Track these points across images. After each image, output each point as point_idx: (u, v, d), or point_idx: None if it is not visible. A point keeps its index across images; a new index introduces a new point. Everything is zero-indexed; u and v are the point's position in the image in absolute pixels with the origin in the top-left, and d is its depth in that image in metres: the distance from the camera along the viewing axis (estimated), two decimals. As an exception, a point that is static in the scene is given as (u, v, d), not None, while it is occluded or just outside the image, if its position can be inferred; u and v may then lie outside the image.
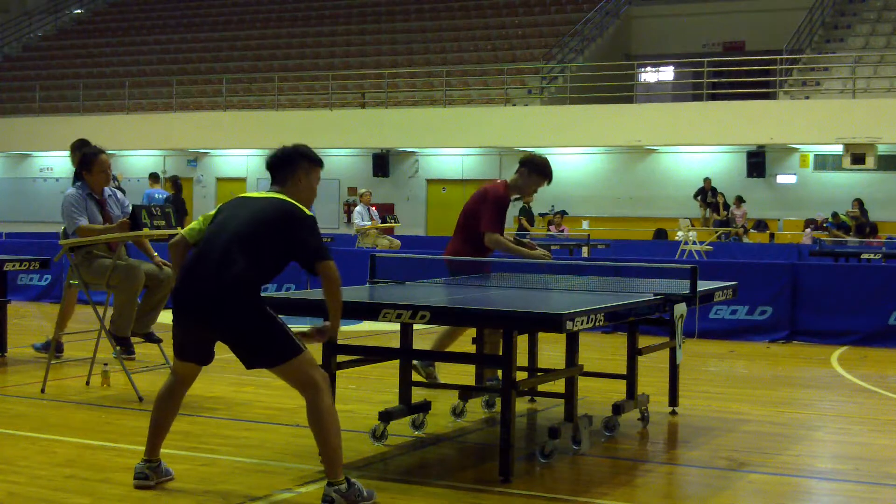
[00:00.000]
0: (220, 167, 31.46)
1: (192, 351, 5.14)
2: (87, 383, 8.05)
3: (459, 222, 7.77)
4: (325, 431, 4.86)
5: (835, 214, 23.68)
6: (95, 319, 7.85)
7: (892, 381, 9.30)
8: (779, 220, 26.09)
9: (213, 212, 5.25)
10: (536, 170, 7.70)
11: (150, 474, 5.20)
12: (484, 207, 7.59)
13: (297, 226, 4.97)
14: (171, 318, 5.11)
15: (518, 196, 7.84)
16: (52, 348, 8.39)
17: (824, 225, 23.96)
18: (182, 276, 5.08)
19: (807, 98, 25.66)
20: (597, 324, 5.46)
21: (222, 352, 5.15)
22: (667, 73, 32.43)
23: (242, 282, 4.88)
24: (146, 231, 7.63)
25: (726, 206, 24.95)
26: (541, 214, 26.85)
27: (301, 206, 5.04)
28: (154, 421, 5.25)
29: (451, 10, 32.58)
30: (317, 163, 5.25)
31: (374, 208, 18.68)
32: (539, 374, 7.01)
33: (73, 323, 9.17)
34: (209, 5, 36.52)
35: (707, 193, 25.38)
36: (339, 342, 5.85)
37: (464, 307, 5.72)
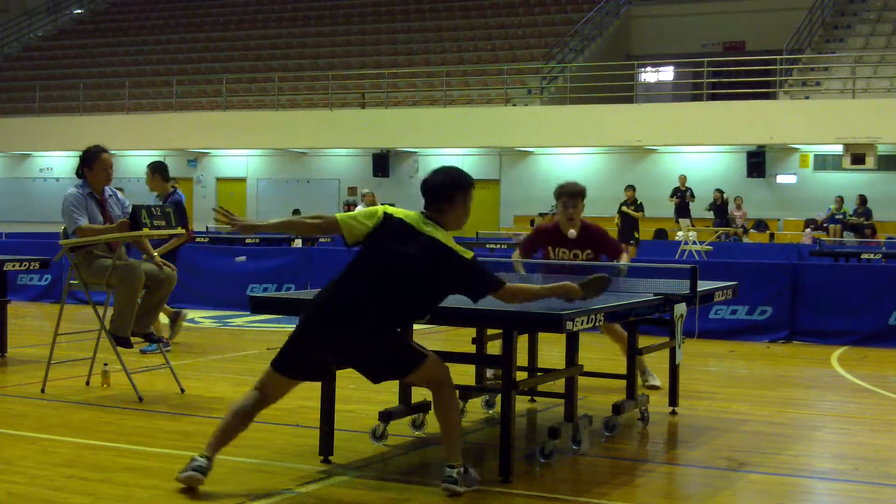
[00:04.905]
0: (220, 167, 31.46)
1: (301, 368, 5.27)
2: (87, 383, 8.03)
3: None
4: (449, 420, 5.17)
5: (829, 210, 23.92)
6: (95, 319, 7.85)
7: (892, 381, 9.30)
8: (779, 220, 26.08)
9: (376, 214, 5.20)
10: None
11: (206, 467, 5.14)
12: None
13: (461, 273, 5.12)
14: (293, 332, 5.18)
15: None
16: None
17: (823, 225, 23.99)
18: (323, 298, 5.16)
19: (807, 98, 25.66)
20: (597, 324, 5.46)
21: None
22: (667, 73, 32.43)
23: (387, 319, 5.08)
24: (146, 231, 7.62)
25: (724, 207, 24.83)
26: (540, 214, 26.83)
27: (461, 251, 5.11)
28: (225, 424, 5.29)
29: (451, 10, 32.58)
30: (471, 186, 5.30)
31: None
32: (539, 374, 7.00)
33: (74, 323, 9.16)
34: (209, 5, 36.52)
35: (686, 193, 24.68)
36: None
37: (464, 307, 5.71)
